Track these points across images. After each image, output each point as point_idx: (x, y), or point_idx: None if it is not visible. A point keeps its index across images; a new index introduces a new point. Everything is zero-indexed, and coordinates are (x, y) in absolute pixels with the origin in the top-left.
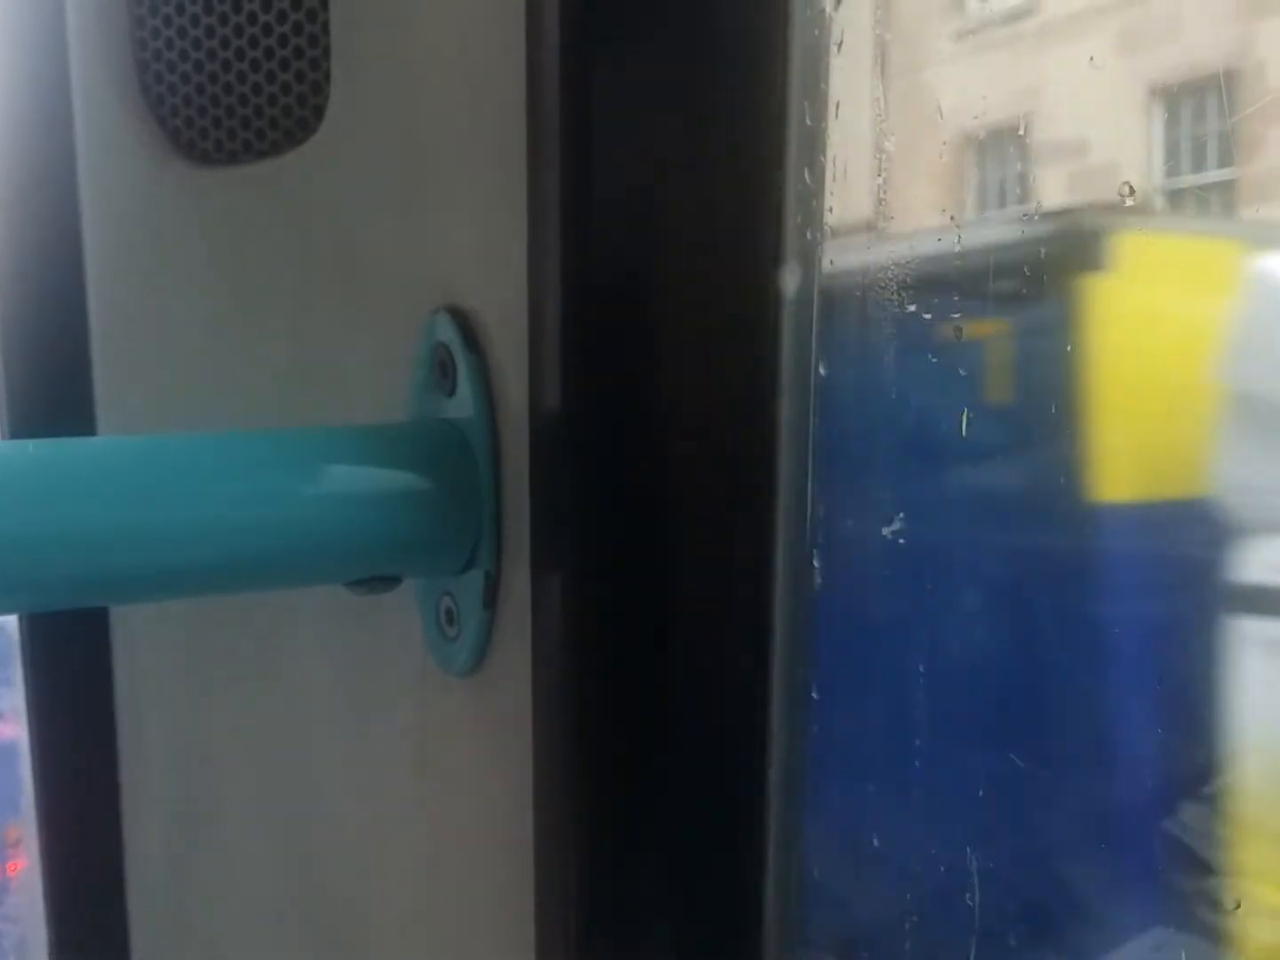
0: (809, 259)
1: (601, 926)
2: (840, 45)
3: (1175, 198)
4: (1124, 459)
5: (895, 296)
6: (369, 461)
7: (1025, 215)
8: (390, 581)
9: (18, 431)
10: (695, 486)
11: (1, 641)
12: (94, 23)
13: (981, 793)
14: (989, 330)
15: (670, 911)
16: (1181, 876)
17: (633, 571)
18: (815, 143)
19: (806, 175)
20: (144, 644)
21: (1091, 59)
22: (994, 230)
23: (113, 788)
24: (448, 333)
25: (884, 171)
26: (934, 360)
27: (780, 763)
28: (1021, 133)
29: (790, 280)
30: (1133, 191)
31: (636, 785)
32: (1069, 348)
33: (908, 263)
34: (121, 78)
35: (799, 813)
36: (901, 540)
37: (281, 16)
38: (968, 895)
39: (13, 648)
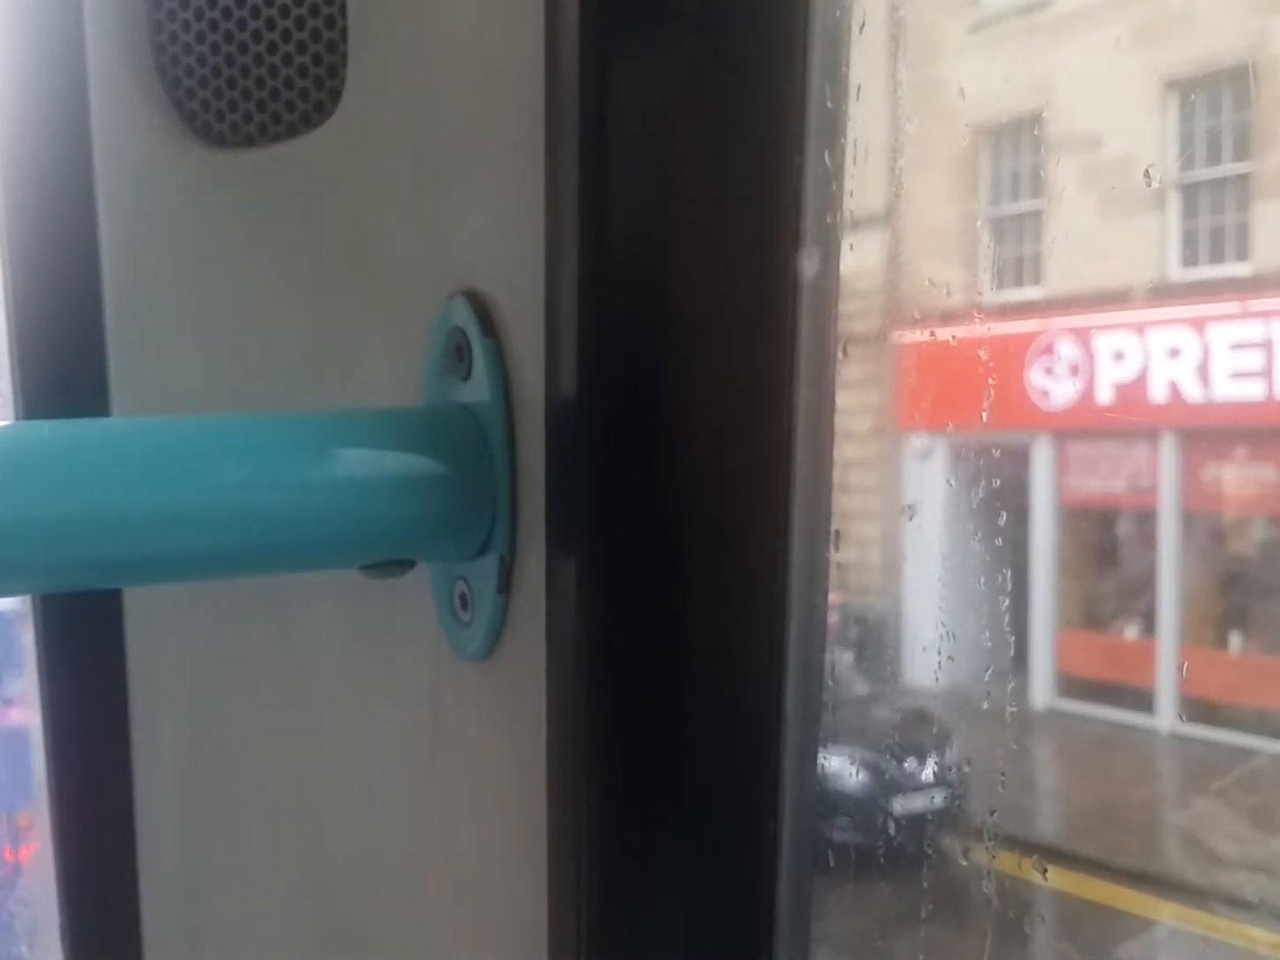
0: (829, 242)
1: (614, 910)
2: (863, 27)
3: (1189, 191)
4: None
5: None
6: (384, 445)
7: None
8: (405, 566)
9: (33, 413)
10: (711, 471)
11: (14, 627)
12: (111, 5)
13: None
14: None
15: (682, 891)
16: None
17: (647, 556)
18: (835, 126)
19: (826, 158)
20: (157, 627)
21: (1118, 40)
22: None
23: (125, 771)
24: (463, 317)
25: (902, 157)
26: None
27: (793, 747)
28: (1038, 124)
29: (810, 264)
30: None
31: (648, 767)
32: None
33: None
34: (138, 60)
35: (811, 792)
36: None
37: None
38: None
39: (23, 632)
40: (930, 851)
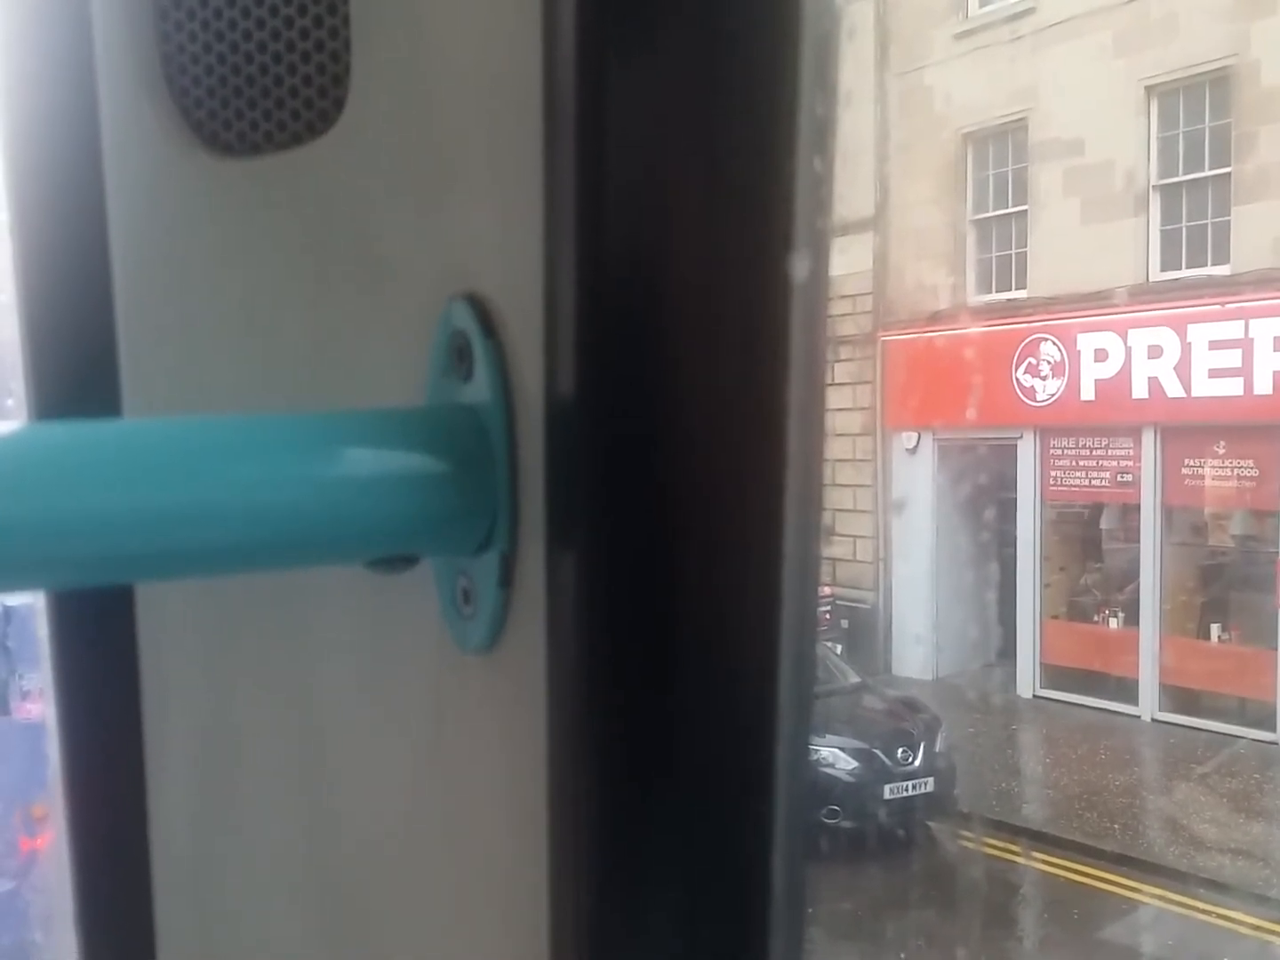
0: (819, 246)
1: (613, 898)
2: (852, 34)
3: (1170, 193)
4: None
5: None
6: (388, 444)
7: None
8: (408, 561)
9: (46, 414)
10: (706, 468)
11: (31, 622)
12: (119, 15)
13: None
14: None
15: (681, 884)
16: None
17: (643, 551)
18: (825, 131)
19: (817, 163)
20: (168, 621)
21: (1092, 53)
22: None
23: (138, 762)
24: (465, 319)
25: (889, 162)
26: None
27: (786, 735)
28: (1021, 131)
29: (801, 266)
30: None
31: (646, 755)
32: None
33: None
34: (146, 70)
35: (804, 779)
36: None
37: (303, 10)
38: None
39: (38, 627)
40: (917, 834)
